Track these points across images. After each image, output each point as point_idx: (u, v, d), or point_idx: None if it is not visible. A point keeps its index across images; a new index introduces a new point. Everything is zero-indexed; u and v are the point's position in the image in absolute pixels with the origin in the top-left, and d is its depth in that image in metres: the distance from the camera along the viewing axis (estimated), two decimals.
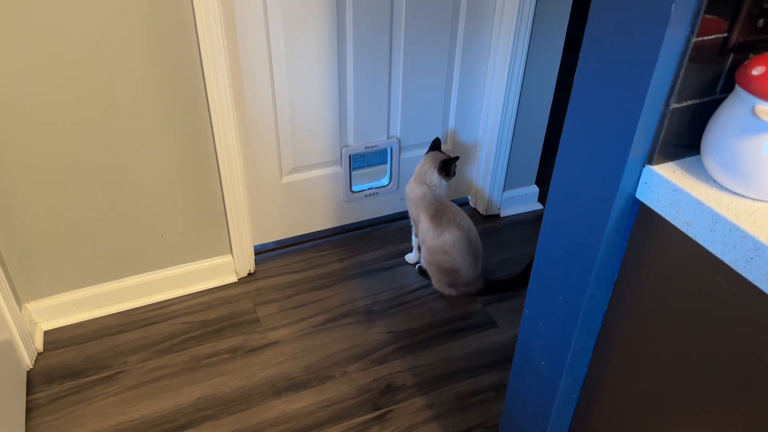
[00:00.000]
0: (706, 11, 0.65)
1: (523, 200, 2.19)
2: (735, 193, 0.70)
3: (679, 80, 0.69)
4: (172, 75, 1.48)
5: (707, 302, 0.74)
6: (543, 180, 2.20)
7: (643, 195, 0.77)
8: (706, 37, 0.68)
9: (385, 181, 2.04)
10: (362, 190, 2.01)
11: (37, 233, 1.56)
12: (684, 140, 0.75)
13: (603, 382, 0.97)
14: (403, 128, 1.94)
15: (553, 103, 2.01)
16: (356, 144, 1.90)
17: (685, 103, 0.72)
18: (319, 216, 2.00)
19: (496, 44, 1.85)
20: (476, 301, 1.81)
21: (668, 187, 0.73)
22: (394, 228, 2.09)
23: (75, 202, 1.56)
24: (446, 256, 1.73)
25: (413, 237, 1.89)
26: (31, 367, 1.56)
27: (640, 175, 0.77)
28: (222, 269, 1.84)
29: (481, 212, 2.17)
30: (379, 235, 2.06)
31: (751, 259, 0.64)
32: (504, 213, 2.17)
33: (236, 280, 1.86)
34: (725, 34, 0.68)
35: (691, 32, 0.67)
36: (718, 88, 0.72)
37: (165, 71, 1.47)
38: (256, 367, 1.59)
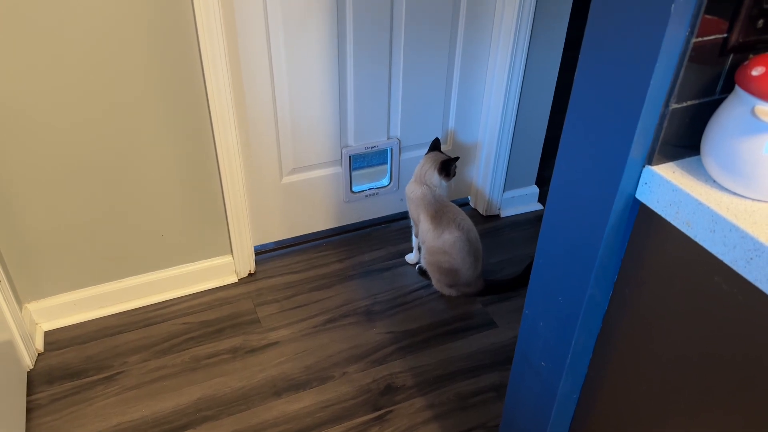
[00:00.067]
0: (706, 12, 0.65)
1: (523, 200, 2.19)
2: (735, 194, 0.70)
3: (679, 81, 0.69)
4: (173, 75, 1.48)
5: (707, 303, 0.74)
6: (543, 180, 2.20)
7: (643, 195, 0.77)
8: (705, 38, 0.68)
9: (385, 181, 2.04)
10: (362, 191, 2.01)
11: (38, 233, 1.56)
12: (684, 141, 0.75)
13: (603, 382, 0.97)
14: (403, 128, 1.94)
15: (553, 103, 2.01)
16: (356, 144, 1.90)
17: (684, 104, 0.72)
18: (319, 216, 2.00)
19: (496, 44, 1.85)
20: (476, 301, 1.81)
21: (668, 187, 0.73)
22: (394, 228, 2.09)
23: (75, 202, 1.56)
24: (446, 257, 1.73)
25: (413, 237, 1.89)
26: (32, 367, 1.57)
27: (640, 176, 0.77)
28: (222, 269, 1.84)
29: (481, 212, 2.17)
30: (380, 236, 2.06)
31: (751, 259, 0.64)
32: (504, 213, 2.17)
33: (236, 281, 1.86)
34: (725, 35, 0.68)
35: (691, 33, 0.67)
36: (718, 88, 0.72)
37: (165, 71, 1.47)
38: (256, 367, 1.59)
